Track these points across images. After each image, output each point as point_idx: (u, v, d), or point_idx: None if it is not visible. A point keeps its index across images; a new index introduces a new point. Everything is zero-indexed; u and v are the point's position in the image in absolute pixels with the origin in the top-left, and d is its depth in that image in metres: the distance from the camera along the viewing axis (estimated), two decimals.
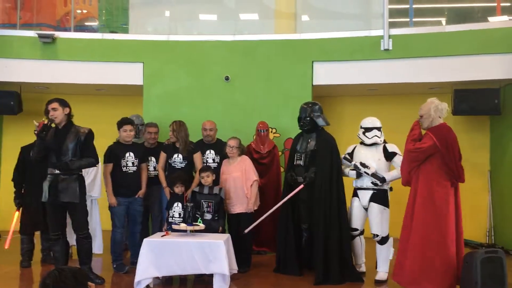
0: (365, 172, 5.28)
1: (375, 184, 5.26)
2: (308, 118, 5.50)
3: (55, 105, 4.85)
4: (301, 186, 5.36)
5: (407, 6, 8.05)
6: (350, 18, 8.30)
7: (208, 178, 5.53)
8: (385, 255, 5.25)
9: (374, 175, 5.23)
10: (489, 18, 7.82)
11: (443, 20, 8.35)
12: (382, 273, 5.25)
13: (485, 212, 7.74)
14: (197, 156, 5.94)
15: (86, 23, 9.12)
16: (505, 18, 7.59)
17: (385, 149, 5.38)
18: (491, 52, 6.76)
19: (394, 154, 5.35)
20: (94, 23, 9.05)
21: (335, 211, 5.24)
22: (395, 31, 7.06)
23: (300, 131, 5.70)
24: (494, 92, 7.02)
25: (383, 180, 5.23)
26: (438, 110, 4.80)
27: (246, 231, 5.50)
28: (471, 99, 7.06)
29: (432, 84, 7.19)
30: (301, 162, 5.48)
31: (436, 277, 4.52)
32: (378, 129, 5.43)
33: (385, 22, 7.01)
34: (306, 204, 5.44)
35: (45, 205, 5.00)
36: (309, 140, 5.53)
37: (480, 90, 7.04)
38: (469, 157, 7.78)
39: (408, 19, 8.02)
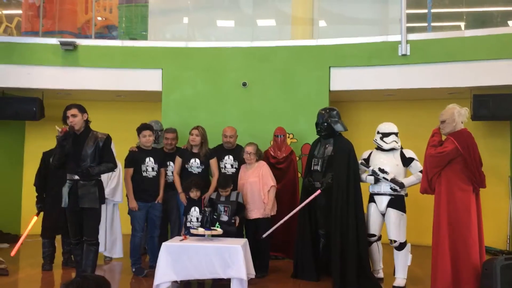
0: (383, 178, 5.27)
1: (394, 190, 5.25)
2: (325, 124, 5.52)
3: (74, 111, 4.82)
4: (318, 191, 5.38)
5: (425, 10, 8.02)
6: (367, 23, 8.30)
7: (226, 193, 5.60)
8: (403, 261, 5.22)
9: (393, 180, 5.22)
10: (509, 22, 7.75)
11: (462, 24, 8.29)
12: (400, 279, 5.23)
13: (505, 218, 7.64)
14: (213, 162, 6.00)
15: (107, 30, 9.28)
16: None
17: (402, 155, 5.37)
18: (511, 57, 6.70)
19: (411, 159, 5.36)
20: (114, 31, 9.20)
21: (353, 216, 5.24)
22: (412, 36, 7.03)
23: (318, 136, 5.72)
24: None
25: (402, 185, 5.22)
26: (461, 115, 4.83)
27: (263, 236, 5.53)
28: (490, 104, 6.99)
29: (450, 89, 7.14)
30: (318, 168, 5.50)
31: (461, 284, 4.50)
32: (396, 134, 5.44)
33: (403, 27, 6.99)
34: (323, 209, 5.45)
35: (65, 210, 5.01)
36: (327, 146, 5.55)
37: (500, 95, 6.96)
38: (489, 162, 7.69)
39: (426, 24, 7.98)
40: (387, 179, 5.25)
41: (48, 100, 8.01)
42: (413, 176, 5.31)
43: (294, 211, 5.57)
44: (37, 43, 7.70)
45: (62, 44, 7.44)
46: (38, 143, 8.02)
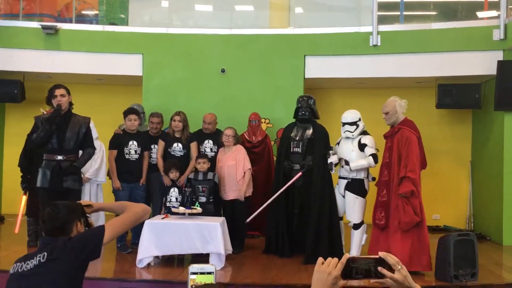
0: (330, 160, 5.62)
1: (346, 174, 5.59)
2: (308, 108, 5.86)
3: (63, 91, 4.95)
4: (300, 173, 5.70)
5: (397, 0, 8.40)
6: (341, 11, 8.63)
7: (204, 165, 5.92)
8: (357, 240, 5.59)
9: (330, 163, 5.58)
10: (478, 13, 8.19)
11: (432, 13, 8.72)
12: None
13: (465, 200, 8.18)
14: (193, 145, 6.27)
15: (85, 12, 9.34)
16: (493, 13, 7.96)
17: (359, 141, 5.61)
18: (474, 49, 7.15)
19: (364, 145, 5.57)
20: (92, 12, 9.28)
21: (328, 197, 5.65)
22: (383, 28, 7.41)
23: (291, 121, 6.05)
24: (475, 87, 7.42)
25: (330, 166, 5.57)
26: (402, 106, 5.20)
27: (247, 220, 5.81)
28: (454, 93, 7.45)
29: (417, 78, 7.58)
30: (299, 150, 5.81)
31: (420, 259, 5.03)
32: (351, 124, 5.61)
33: (374, 19, 7.35)
34: (300, 189, 5.79)
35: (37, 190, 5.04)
36: (305, 129, 5.88)
37: (463, 85, 7.42)
38: (451, 148, 8.28)
39: (398, 13, 8.36)
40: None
41: (29, 83, 8.11)
42: (363, 160, 5.52)
43: (278, 193, 5.76)
44: (18, 26, 7.78)
45: (44, 28, 7.54)
46: (19, 125, 8.13)
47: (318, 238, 5.56)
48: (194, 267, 1.56)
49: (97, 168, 6.25)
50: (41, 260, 2.23)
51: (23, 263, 2.26)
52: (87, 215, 2.47)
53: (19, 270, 2.24)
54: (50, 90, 5.04)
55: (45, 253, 2.25)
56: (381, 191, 5.28)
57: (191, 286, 1.48)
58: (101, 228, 2.35)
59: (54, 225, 2.33)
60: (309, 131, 5.84)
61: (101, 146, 6.44)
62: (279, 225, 5.84)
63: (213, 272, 1.57)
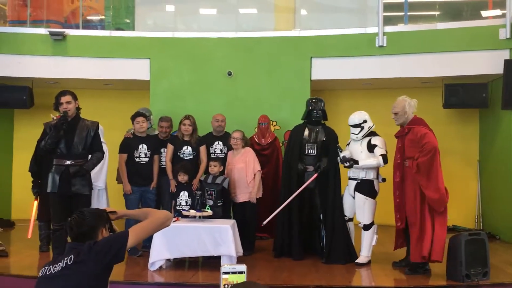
0: (339, 158, 5.63)
1: (349, 167, 5.56)
2: (321, 111, 5.90)
3: (69, 98, 4.97)
4: (315, 175, 5.72)
5: (402, 0, 8.41)
6: (347, 12, 8.67)
7: (215, 168, 5.94)
8: (367, 241, 5.58)
9: (343, 157, 5.54)
10: (482, 12, 8.20)
11: (437, 13, 8.74)
12: (363, 257, 5.60)
13: (474, 199, 8.17)
14: (202, 149, 6.30)
15: (90, 17, 9.41)
16: (497, 12, 7.98)
17: (369, 142, 5.58)
18: (480, 49, 7.16)
19: (374, 146, 5.54)
20: (97, 17, 9.34)
21: (339, 198, 5.72)
22: (389, 29, 7.44)
23: (298, 123, 6.07)
24: (482, 87, 7.42)
25: (344, 159, 5.51)
26: (411, 106, 5.20)
27: (264, 223, 5.78)
28: (461, 93, 7.46)
29: (423, 79, 7.60)
30: (314, 152, 5.83)
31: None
32: (355, 126, 5.59)
33: (380, 20, 7.38)
34: (312, 191, 5.82)
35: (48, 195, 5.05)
36: (317, 131, 5.92)
37: (469, 85, 7.43)
38: (459, 147, 8.27)
39: (402, 13, 8.38)
40: (339, 157, 5.62)
41: (38, 89, 8.17)
42: (372, 159, 5.49)
43: (294, 195, 5.73)
44: (26, 33, 7.86)
45: (52, 34, 7.62)
46: (28, 130, 8.21)
47: (335, 238, 5.63)
48: (226, 267, 1.60)
49: (97, 172, 6.19)
50: (68, 263, 2.33)
51: (51, 266, 2.37)
52: (111, 221, 2.54)
53: (47, 273, 2.35)
54: (56, 97, 5.07)
55: (72, 256, 2.35)
56: (395, 193, 5.29)
57: (224, 285, 1.51)
58: (125, 233, 2.43)
59: (80, 231, 2.45)
60: (322, 133, 5.88)
61: (105, 151, 6.38)
62: (292, 227, 5.83)
63: (244, 272, 1.61)
